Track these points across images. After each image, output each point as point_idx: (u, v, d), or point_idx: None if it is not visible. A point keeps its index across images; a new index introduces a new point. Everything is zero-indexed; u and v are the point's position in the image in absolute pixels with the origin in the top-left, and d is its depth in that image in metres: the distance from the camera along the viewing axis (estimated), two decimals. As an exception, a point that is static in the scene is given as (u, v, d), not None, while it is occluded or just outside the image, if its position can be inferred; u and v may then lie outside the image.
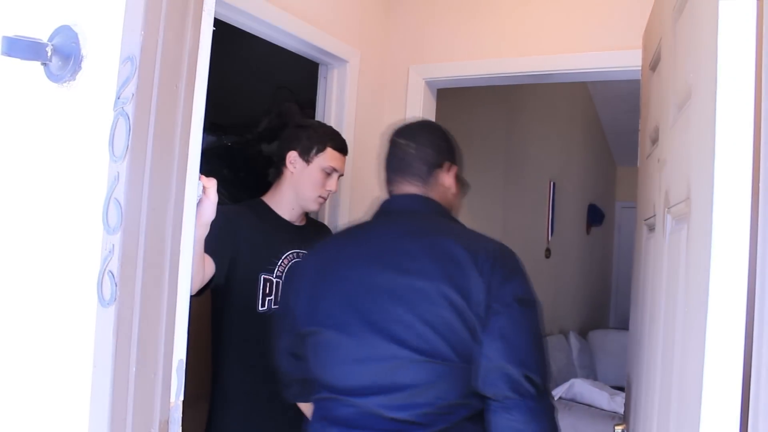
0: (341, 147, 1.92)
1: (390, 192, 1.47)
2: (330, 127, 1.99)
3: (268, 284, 1.81)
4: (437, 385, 1.26)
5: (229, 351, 1.81)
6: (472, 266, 1.26)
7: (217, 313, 1.83)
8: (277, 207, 1.93)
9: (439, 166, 1.45)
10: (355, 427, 1.30)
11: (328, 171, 1.89)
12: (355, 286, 1.34)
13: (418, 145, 1.45)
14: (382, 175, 1.49)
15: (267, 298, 1.81)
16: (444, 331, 1.25)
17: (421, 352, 1.25)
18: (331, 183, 1.90)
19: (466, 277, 1.26)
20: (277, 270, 1.83)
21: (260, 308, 1.80)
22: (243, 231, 1.79)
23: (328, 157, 1.88)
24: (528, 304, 1.29)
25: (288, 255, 1.86)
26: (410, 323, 1.26)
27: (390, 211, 1.44)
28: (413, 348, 1.26)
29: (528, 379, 1.22)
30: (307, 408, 1.52)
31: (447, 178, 1.47)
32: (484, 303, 1.24)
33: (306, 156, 1.88)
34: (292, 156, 1.89)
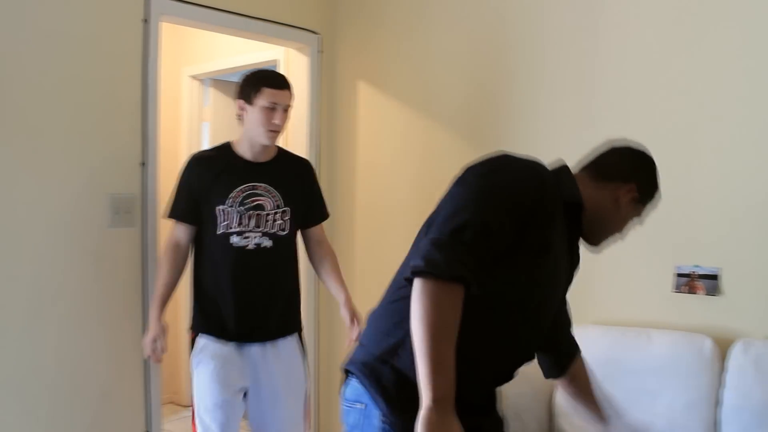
0: (276, 84, 2.16)
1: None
2: (264, 70, 2.24)
3: (222, 213, 2.17)
4: None
5: (202, 262, 2.25)
6: None
7: (197, 238, 2.26)
8: (238, 149, 2.25)
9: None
10: None
11: (270, 107, 2.12)
12: None
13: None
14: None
15: (222, 224, 2.18)
16: None
17: None
18: (277, 116, 2.15)
19: None
20: (228, 201, 2.17)
21: (218, 232, 2.18)
22: (203, 177, 2.22)
23: (266, 95, 2.12)
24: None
25: (241, 188, 2.18)
26: None
27: None
28: None
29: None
30: None
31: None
32: None
33: (248, 100, 2.15)
34: (240, 103, 2.19)
